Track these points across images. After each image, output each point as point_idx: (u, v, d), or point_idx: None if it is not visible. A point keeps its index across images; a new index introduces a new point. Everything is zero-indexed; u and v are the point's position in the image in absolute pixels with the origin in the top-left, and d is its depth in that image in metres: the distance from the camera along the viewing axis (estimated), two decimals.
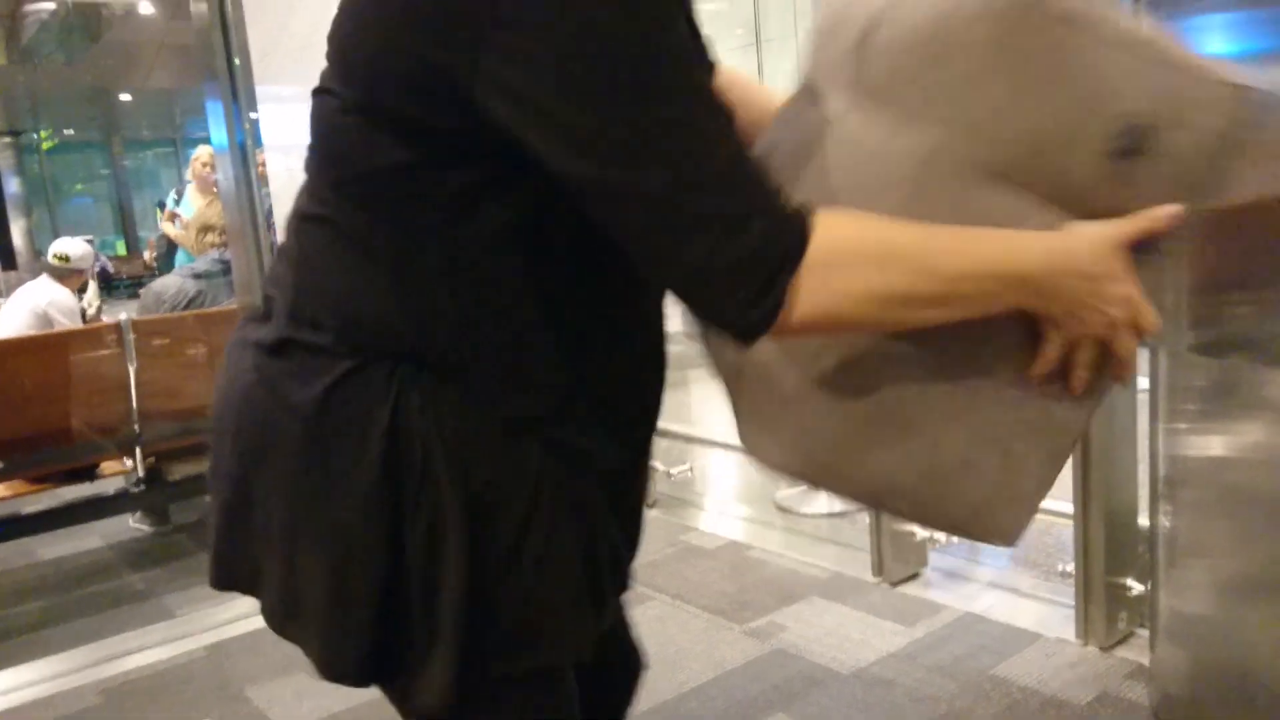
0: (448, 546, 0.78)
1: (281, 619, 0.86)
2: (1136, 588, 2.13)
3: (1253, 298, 1.53)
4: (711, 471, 3.69)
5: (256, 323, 0.86)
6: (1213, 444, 1.64)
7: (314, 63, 0.82)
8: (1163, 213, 0.81)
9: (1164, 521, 1.76)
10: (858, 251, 0.75)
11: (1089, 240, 0.80)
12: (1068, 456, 0.88)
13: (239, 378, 0.85)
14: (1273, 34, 1.50)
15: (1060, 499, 2.28)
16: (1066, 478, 2.16)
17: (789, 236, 0.72)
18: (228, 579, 0.90)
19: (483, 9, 0.67)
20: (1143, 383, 1.74)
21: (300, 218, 0.84)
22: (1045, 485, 0.87)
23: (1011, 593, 2.48)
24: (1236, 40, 1.56)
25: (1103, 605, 2.17)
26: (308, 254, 0.83)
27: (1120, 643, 2.18)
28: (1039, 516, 0.93)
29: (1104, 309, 0.80)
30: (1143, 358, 1.59)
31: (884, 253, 0.75)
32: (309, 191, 0.84)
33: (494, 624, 0.80)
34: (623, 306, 0.86)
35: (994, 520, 0.86)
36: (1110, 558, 2.15)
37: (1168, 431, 1.73)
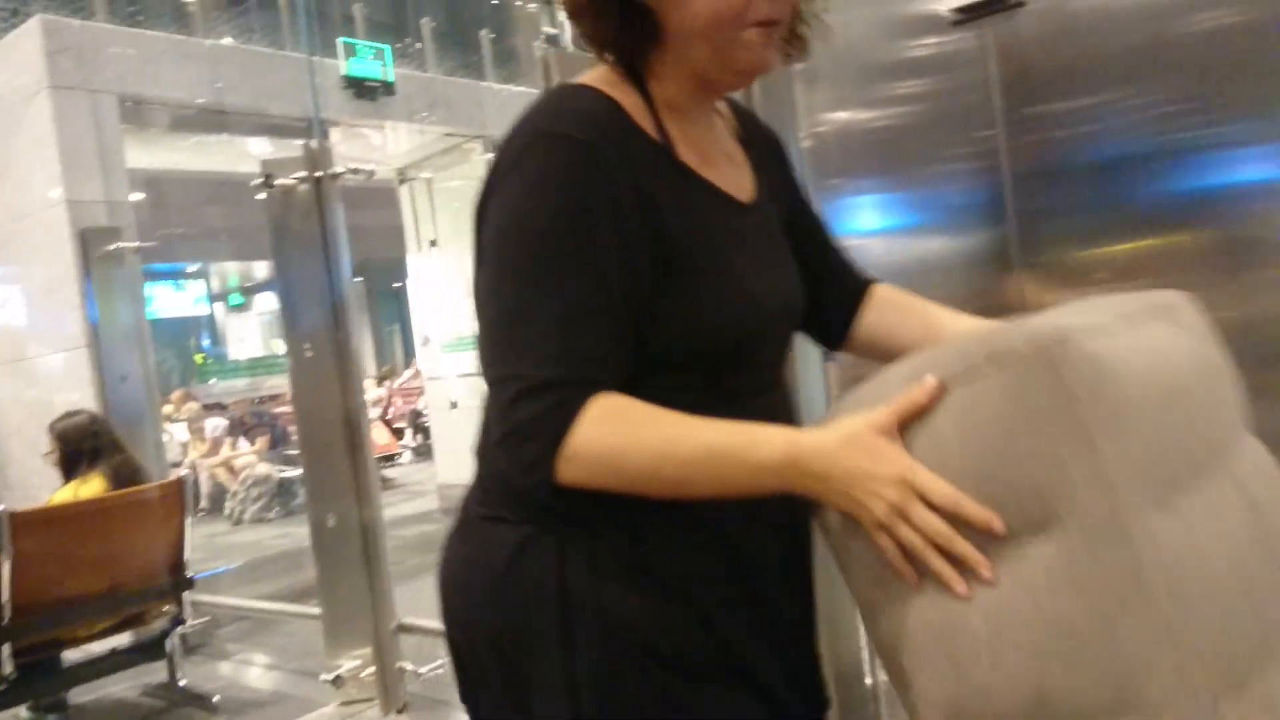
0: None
1: None
2: None
3: None
4: None
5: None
6: None
7: None
8: (923, 388, 0.81)
9: (881, 677, 1.80)
10: (615, 443, 0.85)
11: (843, 430, 0.82)
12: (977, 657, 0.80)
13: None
14: (913, 213, 1.70)
15: None
16: None
17: (558, 417, 0.84)
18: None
19: (491, 180, 0.93)
20: None
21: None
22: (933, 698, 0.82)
23: None
24: (884, 218, 1.75)
25: None
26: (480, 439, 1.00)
27: None
28: None
29: (868, 496, 0.80)
30: None
31: (634, 444, 0.85)
32: None
33: None
34: None
35: None
36: (844, 715, 2.17)
37: None
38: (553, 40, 2.74)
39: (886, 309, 1.11)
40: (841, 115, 1.83)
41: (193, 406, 10.12)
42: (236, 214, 9.39)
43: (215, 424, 9.66)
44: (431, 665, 3.24)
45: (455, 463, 7.09)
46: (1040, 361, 0.77)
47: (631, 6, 0.92)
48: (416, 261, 7.91)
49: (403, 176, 7.82)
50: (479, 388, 0.92)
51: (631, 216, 0.88)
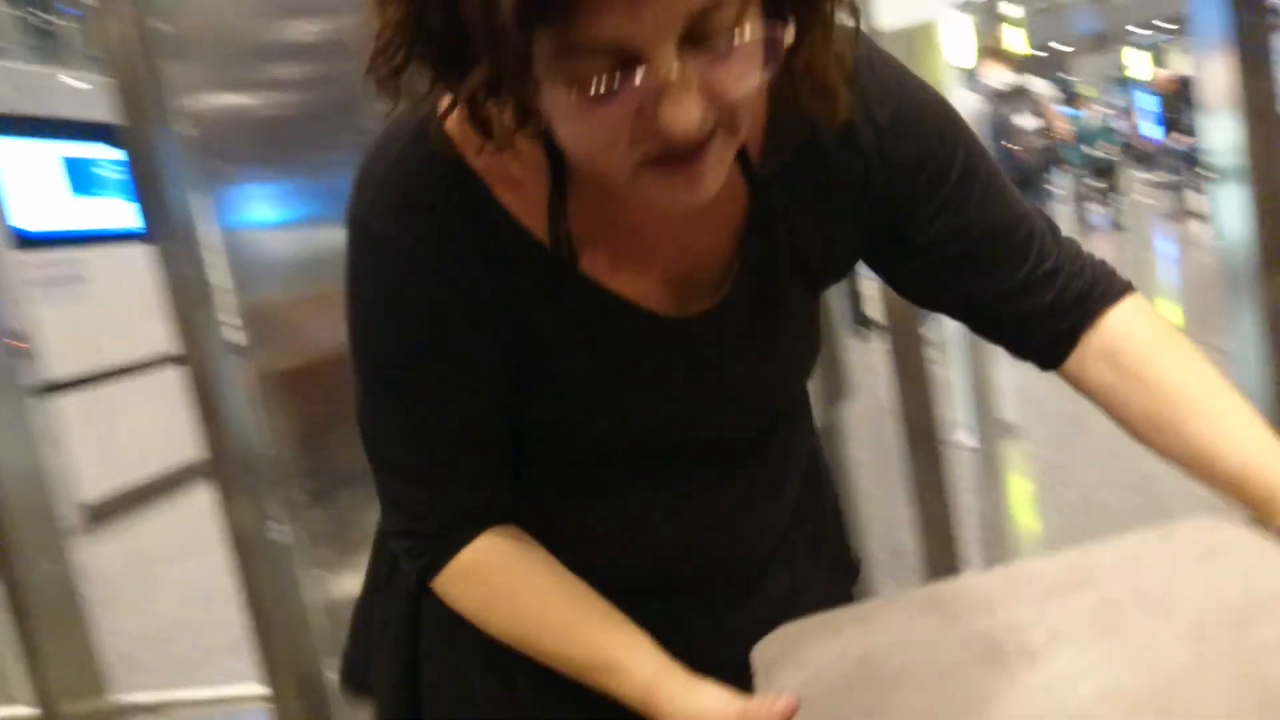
0: None
1: None
2: None
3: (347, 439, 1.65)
4: None
5: None
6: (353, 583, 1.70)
7: None
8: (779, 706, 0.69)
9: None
10: (473, 610, 0.80)
11: (704, 711, 0.71)
12: None
13: None
14: (308, 204, 1.67)
15: (244, 681, 2.16)
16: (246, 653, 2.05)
17: (422, 564, 0.80)
18: None
19: None
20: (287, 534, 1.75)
21: None
22: None
23: None
24: (279, 209, 1.70)
25: None
26: None
27: None
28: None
29: None
30: None
31: (490, 623, 0.79)
32: None
33: None
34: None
35: None
36: None
37: (311, 579, 1.75)
38: None
39: (1125, 378, 0.80)
40: (228, 99, 1.72)
41: None
42: None
43: None
44: None
45: None
46: None
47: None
48: None
49: None
50: None
51: (464, 320, 0.72)
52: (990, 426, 3.04)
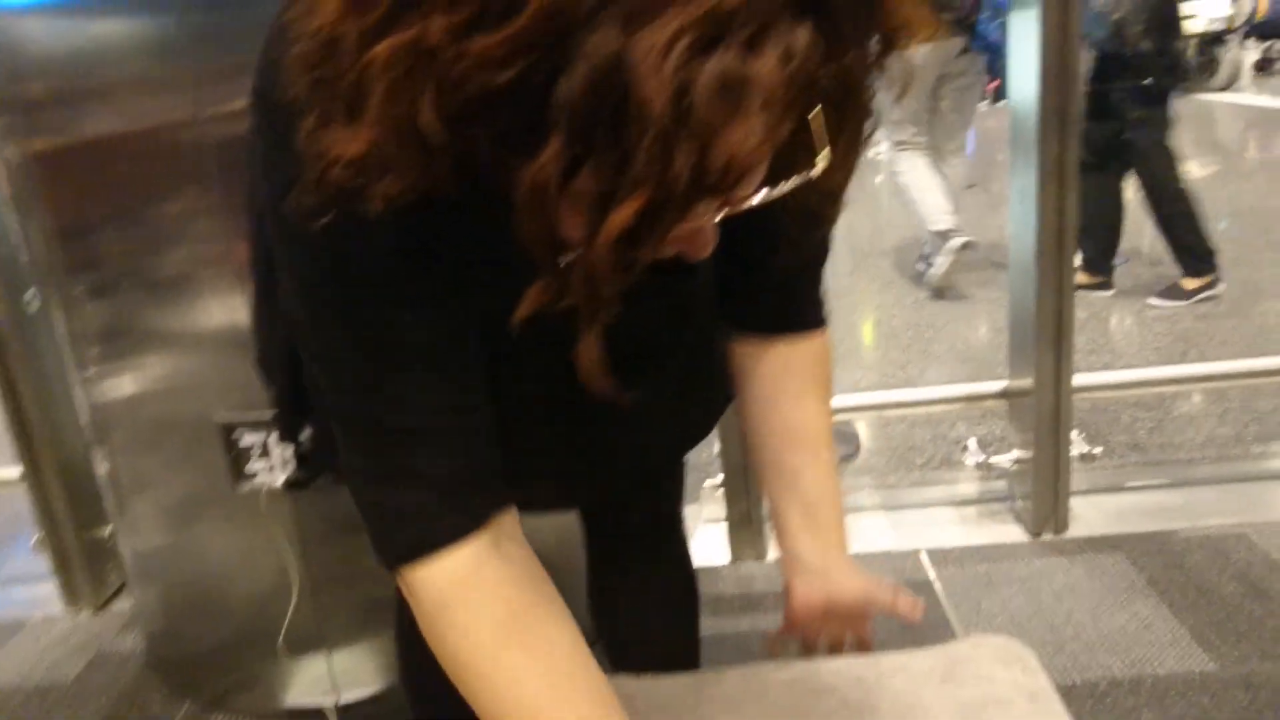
0: None
1: None
2: None
3: (124, 235, 1.54)
4: None
5: None
6: (124, 383, 1.64)
7: None
8: None
9: (104, 466, 1.74)
10: (449, 654, 0.69)
11: None
12: None
13: None
14: None
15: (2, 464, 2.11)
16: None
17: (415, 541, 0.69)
18: None
19: None
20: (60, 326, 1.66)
21: None
22: None
23: None
24: None
25: (83, 566, 2.09)
26: None
27: (115, 597, 2.13)
28: None
29: None
30: None
31: (467, 684, 0.69)
32: None
33: None
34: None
35: None
36: (79, 514, 2.07)
37: (85, 380, 1.68)
38: None
39: (768, 396, 0.90)
40: None
41: None
42: None
43: None
44: None
45: None
46: None
47: None
48: None
49: None
50: None
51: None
52: None
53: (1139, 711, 1.50)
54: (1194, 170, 5.49)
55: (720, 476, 2.08)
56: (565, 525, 1.16)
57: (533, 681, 0.67)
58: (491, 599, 0.68)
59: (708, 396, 0.95)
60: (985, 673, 0.86)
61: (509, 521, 0.72)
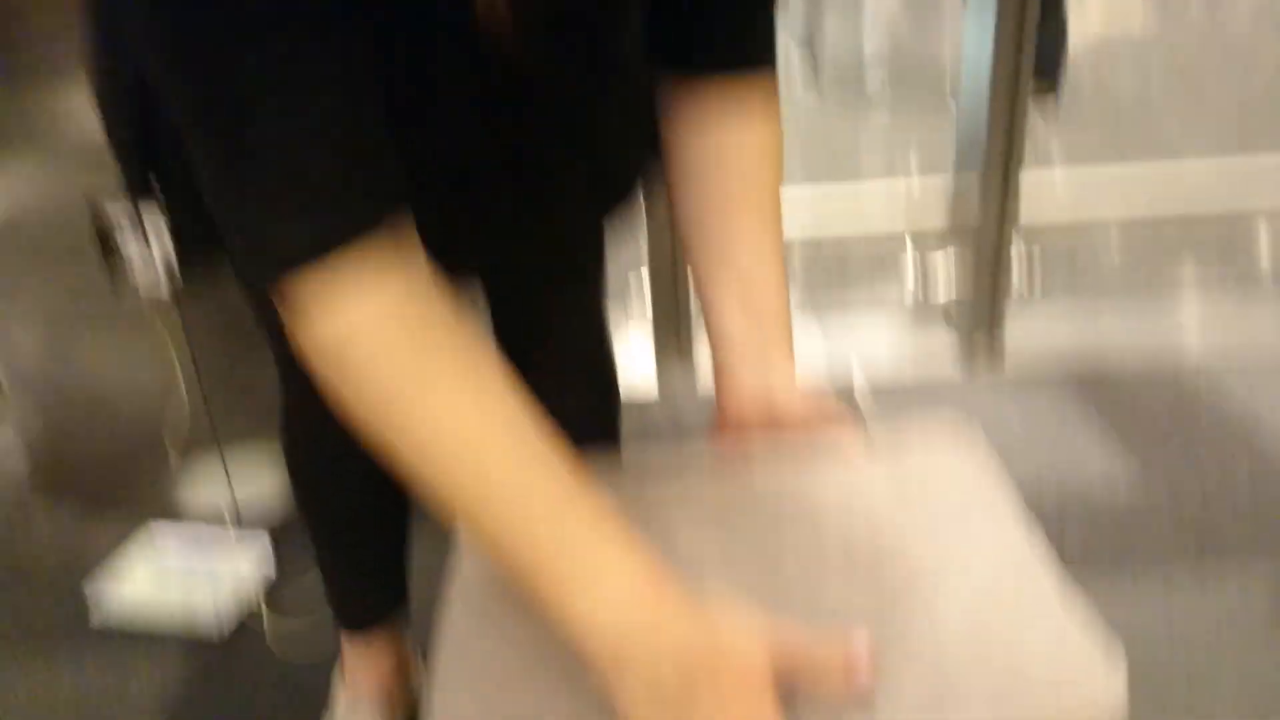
0: None
1: None
2: None
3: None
4: None
5: None
6: None
7: None
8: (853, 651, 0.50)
9: None
10: (388, 418, 0.53)
11: (714, 640, 0.48)
12: None
13: None
14: None
15: None
16: None
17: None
18: None
19: None
20: None
21: None
22: None
23: None
24: None
25: None
26: None
27: None
28: None
29: None
30: None
31: (414, 452, 0.53)
32: None
33: None
34: None
35: None
36: None
37: None
38: None
39: (703, 146, 0.72)
40: None
41: None
42: None
43: None
44: None
45: None
46: None
47: None
48: None
49: None
50: None
51: None
52: None
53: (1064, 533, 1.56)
54: None
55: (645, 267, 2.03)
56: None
57: (470, 416, 0.53)
58: (399, 328, 0.54)
59: (627, 151, 0.82)
60: (930, 449, 0.73)
61: (416, 250, 0.57)
